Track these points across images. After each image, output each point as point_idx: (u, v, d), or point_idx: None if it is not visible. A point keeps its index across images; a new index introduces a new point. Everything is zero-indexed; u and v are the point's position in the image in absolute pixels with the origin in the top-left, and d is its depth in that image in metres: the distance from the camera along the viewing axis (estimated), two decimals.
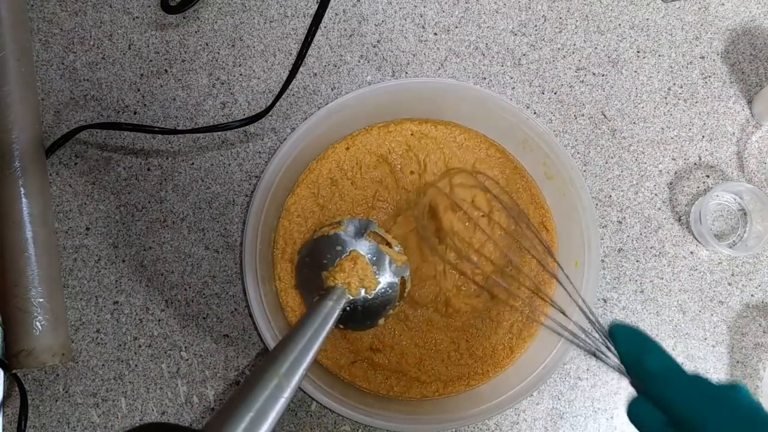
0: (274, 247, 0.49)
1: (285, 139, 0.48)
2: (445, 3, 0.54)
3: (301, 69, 0.47)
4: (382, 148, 0.50)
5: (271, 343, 0.45)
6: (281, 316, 0.48)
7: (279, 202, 0.49)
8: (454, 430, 0.48)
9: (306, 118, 0.49)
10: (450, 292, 0.48)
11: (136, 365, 0.48)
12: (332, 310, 0.37)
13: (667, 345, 0.50)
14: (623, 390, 0.50)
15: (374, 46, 0.53)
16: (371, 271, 0.43)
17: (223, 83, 0.52)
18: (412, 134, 0.51)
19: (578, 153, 0.53)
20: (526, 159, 0.50)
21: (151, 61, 0.52)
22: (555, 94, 0.53)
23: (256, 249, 0.46)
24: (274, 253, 0.49)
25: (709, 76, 0.54)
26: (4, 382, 0.45)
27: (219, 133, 0.51)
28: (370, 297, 0.43)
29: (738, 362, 0.51)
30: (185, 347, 0.48)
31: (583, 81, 0.53)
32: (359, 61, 0.53)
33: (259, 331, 0.45)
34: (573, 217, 0.47)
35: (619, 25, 0.54)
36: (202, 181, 0.50)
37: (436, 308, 0.48)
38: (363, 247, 0.44)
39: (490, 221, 0.49)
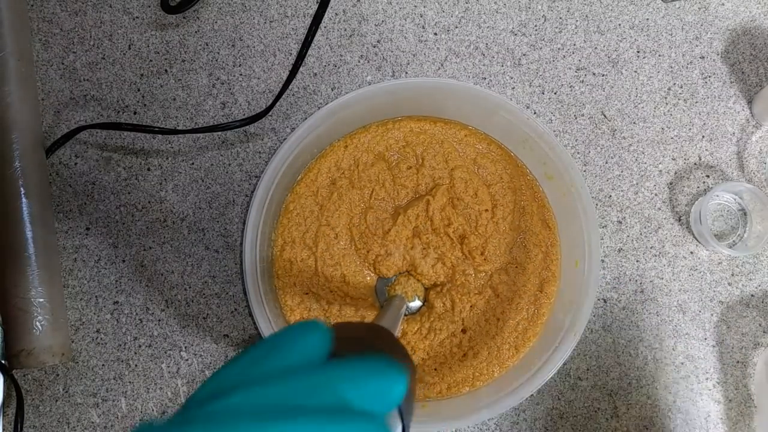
0: (274, 246, 0.49)
1: (285, 139, 0.48)
2: (445, 3, 0.54)
3: (301, 69, 0.47)
4: (379, 146, 0.50)
5: None
6: (281, 315, 0.48)
7: (279, 201, 0.49)
8: (454, 429, 0.48)
9: (306, 118, 0.49)
10: (455, 291, 0.48)
11: (136, 365, 0.48)
12: (401, 305, 0.44)
13: (667, 345, 0.50)
14: (623, 390, 0.50)
15: (374, 46, 0.53)
16: (420, 285, 0.50)
17: (223, 83, 0.52)
18: (410, 130, 0.51)
19: (578, 153, 0.53)
20: (526, 159, 0.50)
21: (151, 61, 0.52)
22: (555, 94, 0.53)
23: (256, 248, 0.46)
24: (273, 251, 0.49)
25: (709, 76, 0.54)
26: (4, 383, 0.45)
27: (219, 133, 0.51)
28: (420, 303, 0.50)
29: (738, 362, 0.51)
30: (185, 347, 0.48)
31: (583, 81, 0.53)
32: (359, 61, 0.53)
33: (259, 331, 0.45)
34: (573, 217, 0.47)
35: (619, 25, 0.54)
36: (202, 181, 0.50)
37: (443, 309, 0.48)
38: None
39: (494, 216, 0.49)
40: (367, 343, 0.28)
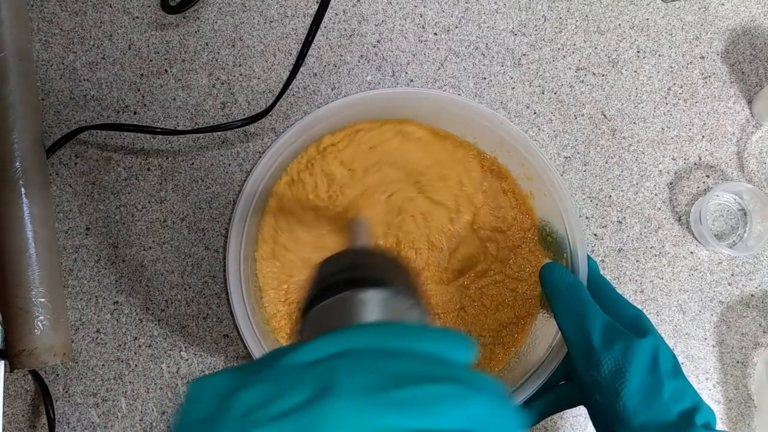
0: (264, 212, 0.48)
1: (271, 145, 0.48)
2: (445, 3, 0.54)
3: (301, 69, 0.47)
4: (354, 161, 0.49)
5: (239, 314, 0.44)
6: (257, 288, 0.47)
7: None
8: None
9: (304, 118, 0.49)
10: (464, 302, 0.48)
11: (136, 365, 0.48)
12: (364, 224, 0.42)
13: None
14: None
15: (374, 46, 0.53)
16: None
17: (223, 83, 0.52)
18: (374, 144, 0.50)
19: (578, 153, 0.53)
20: (504, 161, 0.49)
21: (151, 61, 0.52)
22: (555, 94, 0.53)
23: (250, 208, 0.45)
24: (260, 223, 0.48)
25: (709, 76, 0.54)
26: (5, 380, 0.45)
27: (219, 133, 0.51)
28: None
29: (738, 362, 0.51)
30: (185, 347, 0.48)
31: (583, 81, 0.53)
32: (359, 61, 0.53)
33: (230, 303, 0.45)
34: (556, 215, 0.47)
35: (619, 25, 0.54)
36: (202, 181, 0.51)
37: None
38: None
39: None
40: (391, 271, 0.29)
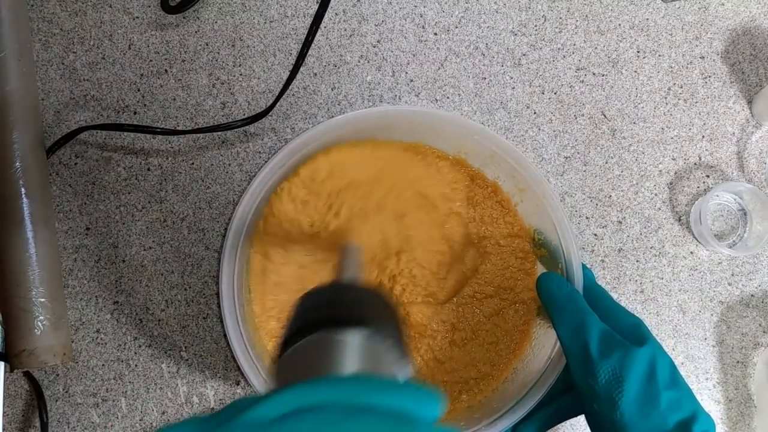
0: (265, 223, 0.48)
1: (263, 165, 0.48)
2: (445, 3, 0.54)
3: (301, 69, 0.47)
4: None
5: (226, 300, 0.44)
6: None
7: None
8: None
9: (306, 119, 0.49)
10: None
11: (136, 365, 0.48)
12: (359, 252, 0.42)
13: (667, 345, 0.50)
14: None
15: (374, 46, 0.53)
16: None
17: (223, 83, 0.52)
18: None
19: (578, 153, 0.53)
20: (495, 173, 0.49)
21: (151, 61, 0.52)
22: (555, 94, 0.53)
23: (251, 208, 0.45)
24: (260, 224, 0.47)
25: (709, 76, 0.54)
26: (4, 381, 0.45)
27: (219, 133, 0.51)
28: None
29: (738, 362, 0.51)
30: (185, 347, 0.48)
31: (583, 81, 0.53)
32: (359, 61, 0.53)
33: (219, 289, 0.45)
34: (550, 227, 0.46)
35: (619, 25, 0.54)
36: (202, 181, 0.51)
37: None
38: None
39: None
40: (372, 314, 0.28)
